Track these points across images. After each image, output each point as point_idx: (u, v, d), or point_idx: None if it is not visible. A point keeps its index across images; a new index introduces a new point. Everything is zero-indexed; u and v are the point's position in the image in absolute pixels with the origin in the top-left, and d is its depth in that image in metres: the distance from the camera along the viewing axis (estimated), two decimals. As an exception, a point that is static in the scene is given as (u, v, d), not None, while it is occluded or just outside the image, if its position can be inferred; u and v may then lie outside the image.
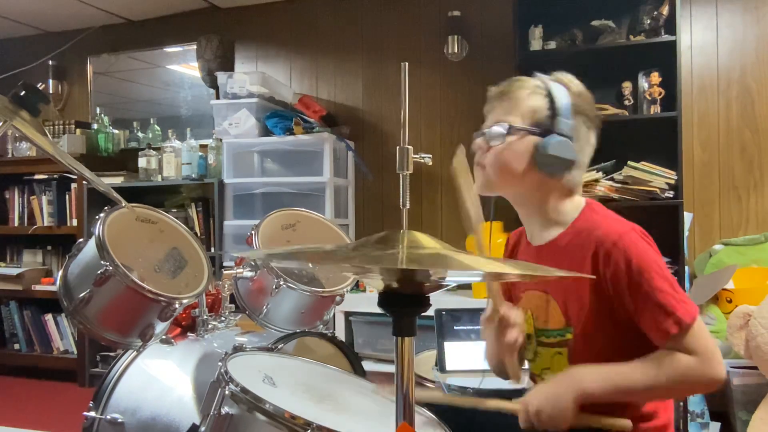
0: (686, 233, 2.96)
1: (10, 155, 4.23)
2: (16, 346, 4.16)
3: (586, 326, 1.19)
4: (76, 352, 3.95)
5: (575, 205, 1.27)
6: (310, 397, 1.25)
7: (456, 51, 3.52)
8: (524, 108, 1.24)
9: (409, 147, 0.94)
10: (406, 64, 0.94)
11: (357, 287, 3.17)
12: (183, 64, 4.25)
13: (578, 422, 1.13)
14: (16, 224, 4.23)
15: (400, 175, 0.95)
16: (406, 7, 3.73)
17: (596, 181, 2.91)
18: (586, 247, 1.19)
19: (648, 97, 2.99)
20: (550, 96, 1.23)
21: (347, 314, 3.26)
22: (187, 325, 1.93)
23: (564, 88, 1.24)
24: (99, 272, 1.58)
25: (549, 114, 1.22)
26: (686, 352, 1.10)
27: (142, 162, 3.89)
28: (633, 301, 1.13)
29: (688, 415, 2.73)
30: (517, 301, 1.35)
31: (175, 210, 3.84)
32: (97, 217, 1.70)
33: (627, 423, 1.14)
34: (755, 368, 2.46)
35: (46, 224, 4.12)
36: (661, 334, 1.12)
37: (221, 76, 3.66)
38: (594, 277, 1.15)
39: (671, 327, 1.10)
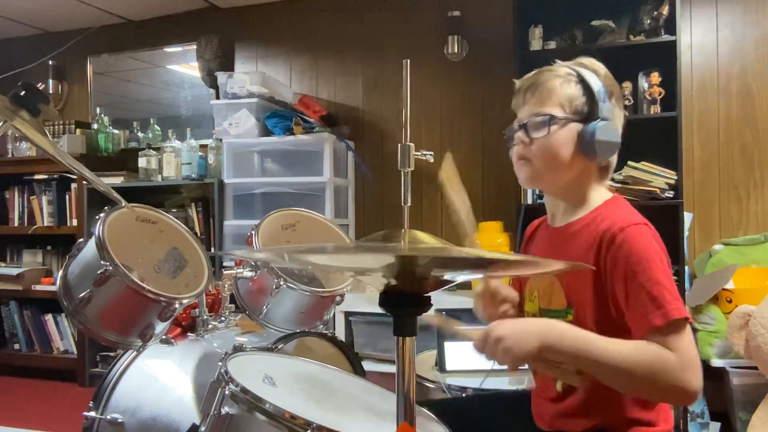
0: (686, 233, 2.97)
1: (10, 155, 4.23)
2: (16, 346, 4.16)
3: (586, 310, 1.19)
4: (76, 352, 3.94)
5: (602, 195, 1.28)
6: (310, 397, 1.25)
7: (456, 51, 3.52)
8: (561, 97, 1.24)
9: (411, 144, 0.94)
10: (408, 61, 0.94)
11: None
12: (183, 64, 4.25)
13: (534, 365, 1.11)
14: (16, 224, 4.23)
15: (402, 173, 0.94)
16: (406, 7, 3.73)
17: (596, 181, 2.91)
18: (594, 234, 1.19)
19: (648, 97, 2.99)
20: (583, 82, 1.24)
21: (347, 314, 3.25)
22: (187, 325, 1.93)
23: (593, 73, 1.26)
24: (99, 272, 1.58)
25: (585, 100, 1.23)
26: (669, 349, 1.06)
27: (142, 162, 3.89)
28: (625, 289, 1.12)
29: (688, 415, 2.73)
30: (525, 280, 1.37)
31: (175, 210, 3.85)
32: (97, 217, 1.70)
33: (586, 381, 1.09)
34: (755, 368, 2.46)
35: (46, 224, 4.12)
36: (645, 325, 1.08)
37: (221, 76, 3.66)
38: (594, 268, 1.15)
39: (657, 318, 1.07)
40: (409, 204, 0.94)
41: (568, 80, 1.25)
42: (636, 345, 1.08)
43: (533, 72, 1.30)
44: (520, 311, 1.37)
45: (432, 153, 1.07)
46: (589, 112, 1.23)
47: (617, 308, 1.14)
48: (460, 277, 1.08)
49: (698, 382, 1.05)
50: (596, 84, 1.24)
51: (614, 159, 1.29)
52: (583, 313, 1.20)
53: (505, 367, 1.11)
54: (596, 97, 1.23)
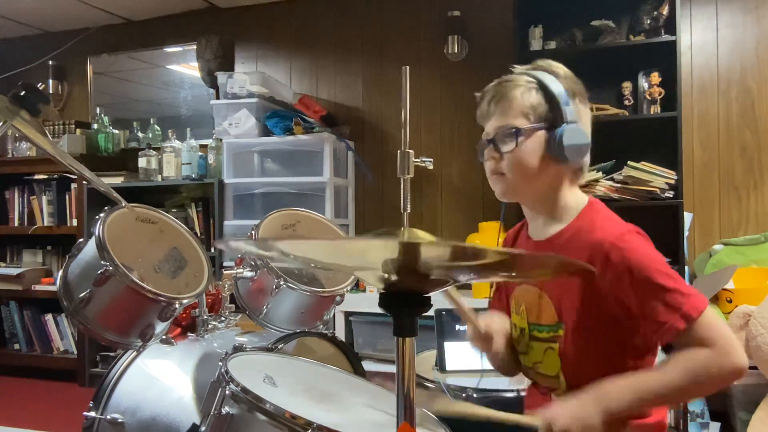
0: (686, 233, 2.96)
1: (10, 155, 4.23)
2: (16, 346, 4.16)
3: (577, 324, 1.19)
4: (76, 352, 3.95)
5: (578, 201, 1.27)
6: (310, 397, 1.25)
7: (456, 51, 3.52)
8: (523, 107, 1.23)
9: (410, 151, 0.93)
10: (407, 68, 0.94)
11: (357, 287, 3.17)
12: (183, 64, 4.25)
13: None
14: (16, 224, 4.23)
15: (401, 180, 0.94)
16: (406, 7, 3.73)
17: (596, 181, 2.91)
18: (582, 249, 1.18)
19: (648, 97, 2.99)
20: (543, 88, 1.23)
21: (347, 314, 3.26)
22: (187, 325, 1.93)
23: (552, 76, 1.24)
24: (99, 272, 1.59)
25: (548, 106, 1.22)
26: (700, 344, 1.09)
27: (142, 162, 3.89)
28: (638, 302, 1.12)
29: (688, 415, 2.73)
30: (510, 293, 1.36)
31: (175, 210, 3.84)
32: (97, 217, 1.70)
33: None
34: (755, 368, 2.46)
35: (46, 224, 4.12)
36: (671, 332, 1.10)
37: (221, 76, 3.66)
38: (593, 269, 1.14)
39: (678, 323, 1.09)
40: (408, 211, 0.94)
41: (529, 88, 1.23)
42: (677, 361, 1.11)
43: (493, 83, 1.29)
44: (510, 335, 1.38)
45: (431, 160, 1.07)
46: (553, 118, 1.22)
47: (631, 319, 1.14)
48: (461, 278, 1.08)
49: (741, 358, 1.10)
50: (557, 88, 1.22)
51: (587, 159, 1.28)
52: (574, 328, 1.19)
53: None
54: (558, 101, 1.21)
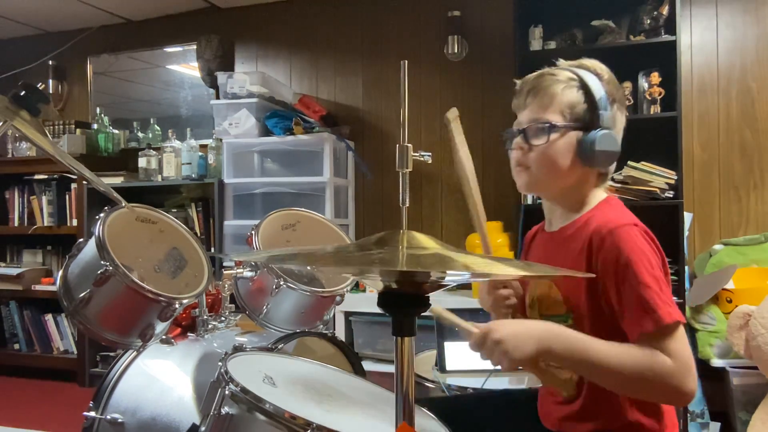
0: (686, 233, 2.97)
1: (10, 155, 4.23)
2: (16, 346, 4.16)
3: (584, 312, 1.18)
4: (76, 352, 3.95)
5: (597, 197, 1.27)
6: (310, 397, 1.25)
7: (456, 51, 3.52)
8: (561, 103, 1.21)
9: (409, 145, 0.93)
10: (405, 62, 0.93)
11: (357, 287, 3.18)
12: (183, 64, 4.25)
13: (528, 369, 1.12)
14: (16, 224, 4.23)
15: (400, 174, 0.94)
16: (405, 7, 3.73)
17: (596, 181, 2.91)
18: (585, 236, 1.19)
19: (648, 97, 2.99)
20: (585, 88, 1.21)
21: (347, 314, 3.26)
22: (187, 325, 1.93)
23: (596, 78, 1.23)
24: (99, 272, 1.58)
25: (587, 107, 1.21)
26: (662, 352, 1.06)
27: (142, 162, 3.89)
28: (617, 291, 1.11)
29: (688, 415, 2.73)
30: (525, 287, 1.36)
31: (175, 210, 3.85)
32: (97, 217, 1.70)
33: (572, 390, 1.10)
34: (755, 368, 2.46)
35: (46, 224, 4.12)
36: (636, 329, 1.08)
37: (221, 76, 3.66)
38: (592, 275, 1.15)
39: (647, 324, 1.07)
40: (407, 205, 0.94)
41: (570, 86, 1.22)
42: (632, 348, 1.08)
43: (535, 74, 1.27)
44: (522, 304, 1.36)
45: (430, 154, 1.07)
46: (589, 120, 1.20)
47: (611, 310, 1.14)
48: (460, 279, 1.08)
49: (693, 385, 1.05)
50: (598, 91, 1.21)
51: (613, 166, 1.28)
52: (580, 316, 1.19)
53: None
54: (598, 104, 1.20)
